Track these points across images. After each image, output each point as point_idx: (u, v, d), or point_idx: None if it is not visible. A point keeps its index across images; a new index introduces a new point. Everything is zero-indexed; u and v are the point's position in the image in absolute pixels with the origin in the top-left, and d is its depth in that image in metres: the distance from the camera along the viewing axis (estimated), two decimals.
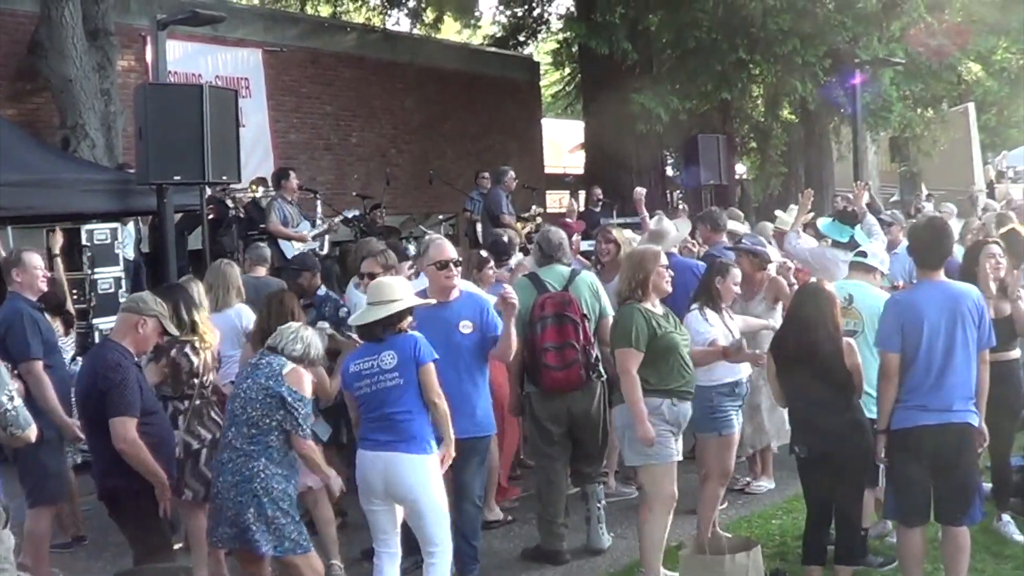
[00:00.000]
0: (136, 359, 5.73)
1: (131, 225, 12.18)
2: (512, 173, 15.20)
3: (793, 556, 6.55)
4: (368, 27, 20.51)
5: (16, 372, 6.15)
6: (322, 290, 8.22)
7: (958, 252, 8.16)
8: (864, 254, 7.22)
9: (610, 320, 6.99)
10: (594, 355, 6.95)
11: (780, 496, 8.10)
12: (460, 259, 6.66)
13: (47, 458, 6.58)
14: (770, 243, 9.45)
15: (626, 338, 6.17)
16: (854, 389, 5.95)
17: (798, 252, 9.00)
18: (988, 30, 23.82)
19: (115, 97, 13.45)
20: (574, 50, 20.00)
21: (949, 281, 5.98)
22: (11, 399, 4.83)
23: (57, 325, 7.78)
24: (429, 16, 22.65)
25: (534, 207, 16.03)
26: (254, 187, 12.39)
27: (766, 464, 8.45)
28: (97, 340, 9.60)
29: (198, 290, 6.91)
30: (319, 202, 13.08)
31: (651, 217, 9.79)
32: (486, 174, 15.68)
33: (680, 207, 16.72)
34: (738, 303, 7.59)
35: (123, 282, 10.41)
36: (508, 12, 23.55)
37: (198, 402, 6.37)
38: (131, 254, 11.87)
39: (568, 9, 21.50)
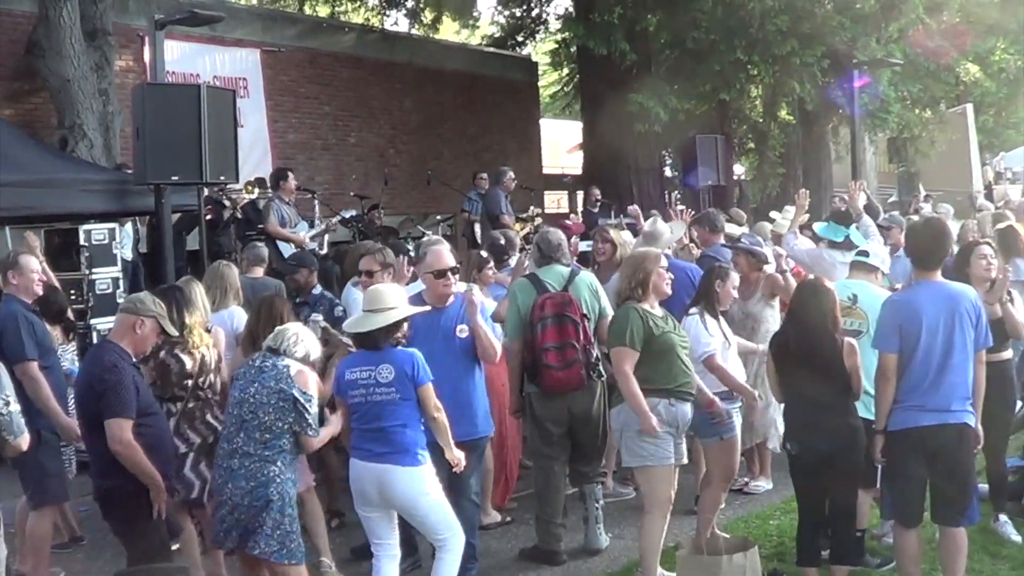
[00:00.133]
0: (134, 360, 5.71)
1: (129, 225, 12.19)
2: (511, 173, 15.19)
3: (791, 556, 6.54)
4: (366, 27, 20.51)
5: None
6: (317, 289, 8.25)
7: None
8: (866, 253, 7.22)
9: (609, 320, 7.00)
10: (594, 355, 6.96)
11: (778, 496, 8.10)
12: (458, 266, 6.64)
13: (46, 459, 6.59)
14: (767, 242, 9.45)
15: (620, 337, 6.18)
16: (851, 390, 5.95)
17: (796, 253, 9.01)
18: (986, 31, 23.88)
19: (113, 97, 13.44)
20: (572, 50, 19.99)
21: (946, 282, 5.99)
22: (7, 404, 4.83)
23: (57, 333, 7.76)
24: (427, 16, 22.65)
25: (532, 207, 16.03)
26: (250, 187, 12.39)
27: (764, 464, 8.46)
28: (95, 341, 9.61)
29: (199, 292, 6.91)
30: (317, 202, 13.07)
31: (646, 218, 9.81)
32: (484, 175, 15.69)
33: (678, 208, 16.74)
34: (736, 302, 7.59)
35: (121, 282, 10.40)
36: (506, 12, 23.55)
37: (191, 405, 6.34)
38: (129, 254, 11.87)
39: (566, 9, 21.50)
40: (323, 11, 21.99)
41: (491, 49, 23.62)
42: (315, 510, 6.80)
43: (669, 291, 6.50)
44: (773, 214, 12.87)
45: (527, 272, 7.55)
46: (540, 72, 25.61)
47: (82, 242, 10.03)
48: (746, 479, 8.42)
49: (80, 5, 12.86)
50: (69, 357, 7.91)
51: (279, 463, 5.40)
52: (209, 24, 13.08)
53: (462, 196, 16.12)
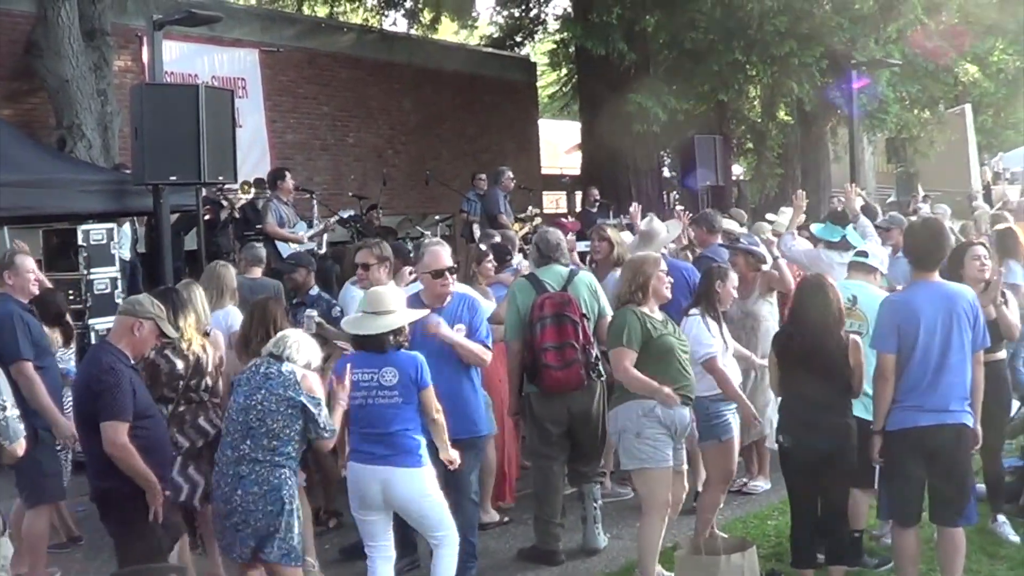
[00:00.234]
0: (132, 362, 5.70)
1: (127, 226, 12.18)
2: (510, 173, 15.20)
3: (789, 557, 6.53)
4: (365, 27, 20.51)
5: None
6: (314, 290, 8.25)
7: None
8: (865, 254, 7.21)
9: (608, 320, 7.00)
10: (594, 354, 6.96)
11: (776, 497, 8.09)
12: (455, 266, 6.65)
13: (43, 457, 6.58)
14: (763, 242, 9.45)
15: (618, 337, 6.18)
16: (851, 389, 5.95)
17: (793, 254, 9.01)
18: (985, 32, 23.89)
19: (111, 97, 13.44)
20: (571, 51, 19.99)
21: (944, 282, 5.99)
22: (3, 408, 4.82)
23: (56, 336, 7.74)
24: (426, 17, 22.65)
25: (531, 208, 16.03)
26: (246, 187, 12.39)
27: (763, 465, 8.45)
28: (94, 341, 9.61)
29: (198, 295, 6.91)
30: (315, 202, 13.07)
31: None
32: (483, 175, 15.69)
33: (677, 208, 16.74)
34: (735, 302, 7.58)
35: (119, 283, 10.38)
36: (505, 13, 23.54)
37: (181, 408, 6.30)
38: (127, 255, 11.86)
39: (565, 10, 21.50)
40: (322, 11, 21.99)
41: (490, 49, 23.62)
42: (304, 509, 6.79)
43: (669, 295, 6.51)
44: (770, 216, 12.86)
45: (526, 272, 7.55)
46: (539, 72, 25.61)
47: (80, 242, 10.02)
48: (744, 479, 8.42)
49: (78, 5, 12.87)
50: (66, 358, 7.90)
51: (287, 468, 5.39)
52: (207, 24, 13.08)
53: (461, 196, 16.11)
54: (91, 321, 9.94)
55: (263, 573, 5.60)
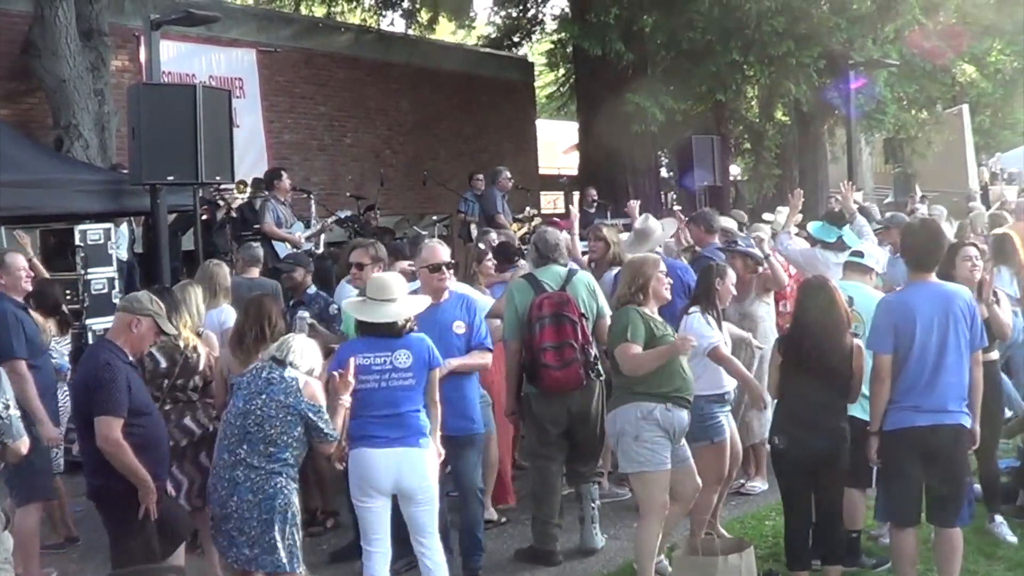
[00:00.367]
0: (130, 359, 5.69)
1: (125, 226, 12.18)
2: (507, 173, 15.20)
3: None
4: (363, 27, 20.50)
5: None
6: (312, 289, 8.27)
7: None
8: (860, 254, 7.20)
9: (608, 320, 7.00)
10: (593, 354, 6.95)
11: (774, 497, 8.02)
12: (453, 261, 6.67)
13: (33, 455, 6.54)
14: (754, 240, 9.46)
15: (622, 334, 6.14)
16: (850, 392, 5.95)
17: (789, 253, 9.01)
18: (982, 32, 23.90)
19: (109, 97, 13.43)
20: (568, 51, 19.99)
21: (941, 282, 5.99)
22: (7, 408, 4.81)
23: (51, 325, 7.77)
24: (424, 17, 22.65)
25: (528, 208, 16.03)
26: (242, 187, 12.38)
27: (760, 465, 8.44)
28: (91, 341, 9.60)
29: (194, 296, 6.91)
30: (313, 203, 13.06)
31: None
32: (480, 175, 15.68)
33: (675, 208, 16.75)
34: (732, 304, 7.59)
35: (116, 283, 10.37)
36: (503, 13, 23.54)
37: (167, 407, 6.29)
38: (125, 255, 11.86)
39: (562, 10, 21.50)
40: (319, 11, 21.98)
41: (487, 49, 23.62)
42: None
43: (669, 296, 6.51)
44: (767, 215, 12.87)
45: (525, 272, 7.56)
46: (536, 72, 25.62)
47: (78, 242, 10.01)
48: (742, 480, 8.41)
49: (76, 5, 12.86)
50: (60, 351, 7.91)
51: (284, 475, 5.36)
52: (205, 24, 13.09)
53: (458, 197, 16.10)
54: (88, 321, 9.93)
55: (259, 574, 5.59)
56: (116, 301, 9.95)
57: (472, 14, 25.06)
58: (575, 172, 21.84)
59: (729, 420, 6.94)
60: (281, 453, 5.34)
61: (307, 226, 12.17)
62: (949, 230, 10.70)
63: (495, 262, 8.62)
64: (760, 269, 8.21)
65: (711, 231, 9.22)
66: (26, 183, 10.11)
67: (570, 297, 7.00)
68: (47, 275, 8.79)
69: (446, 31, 26.81)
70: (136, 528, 5.49)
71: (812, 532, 6.06)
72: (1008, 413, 8.66)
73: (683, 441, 6.33)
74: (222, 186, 11.88)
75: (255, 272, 9.12)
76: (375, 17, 22.20)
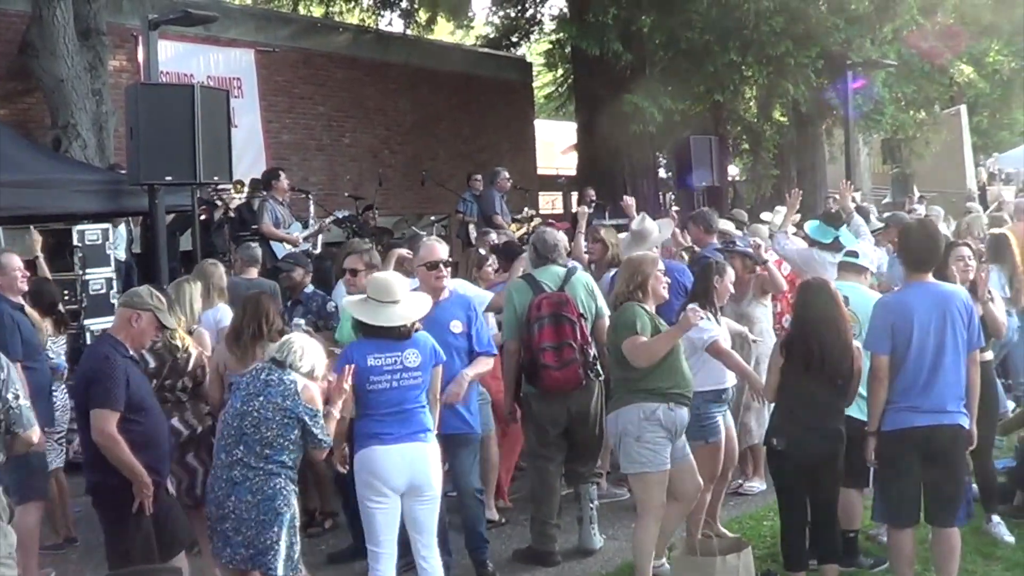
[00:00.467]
0: (131, 353, 5.67)
1: (123, 226, 12.18)
2: (505, 174, 15.21)
3: None
4: (361, 28, 20.49)
5: None
6: (309, 288, 8.27)
7: None
8: (855, 254, 7.19)
9: (606, 320, 7.00)
10: (592, 354, 6.95)
11: (772, 497, 7.99)
12: (450, 260, 6.67)
13: (30, 454, 6.57)
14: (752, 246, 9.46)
15: (630, 327, 6.10)
16: (848, 393, 5.96)
17: (786, 253, 9.01)
18: (980, 32, 23.92)
19: (107, 97, 13.41)
20: (567, 51, 19.99)
21: (938, 282, 6.00)
22: (16, 398, 4.82)
23: (47, 325, 7.77)
24: (422, 17, 22.65)
25: (527, 208, 16.02)
26: (239, 186, 12.37)
27: (758, 465, 8.44)
28: (89, 342, 9.61)
29: (189, 294, 6.91)
30: (311, 203, 13.05)
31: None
32: (479, 175, 15.68)
33: (673, 209, 16.75)
34: (729, 304, 7.58)
35: (114, 283, 10.37)
36: (501, 13, 23.54)
37: None
38: (123, 255, 11.85)
39: (561, 10, 21.50)
40: (317, 11, 21.97)
41: (486, 50, 23.62)
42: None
43: (667, 295, 6.50)
44: (765, 215, 12.87)
45: (523, 272, 7.55)
46: (535, 73, 25.62)
47: (75, 242, 10.00)
48: (740, 480, 8.41)
49: (73, 5, 12.84)
50: (57, 351, 7.91)
51: (283, 476, 5.33)
52: (203, 24, 13.07)
53: (457, 197, 16.10)
54: (87, 321, 9.93)
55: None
56: (114, 302, 9.96)
57: (470, 14, 25.06)
58: (573, 172, 21.85)
59: (726, 420, 6.93)
60: (278, 456, 5.31)
61: (305, 226, 12.17)
62: (946, 231, 10.70)
63: (495, 267, 8.61)
64: (758, 269, 8.21)
65: (710, 231, 9.23)
66: (24, 183, 10.09)
67: (569, 297, 7.00)
68: (49, 275, 8.78)
69: (444, 31, 26.82)
70: (131, 526, 5.48)
71: (808, 532, 6.06)
72: (1011, 405, 8.69)
73: (683, 437, 6.33)
74: (220, 186, 11.87)
75: (253, 272, 9.12)
76: (373, 17, 22.21)
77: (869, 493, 6.71)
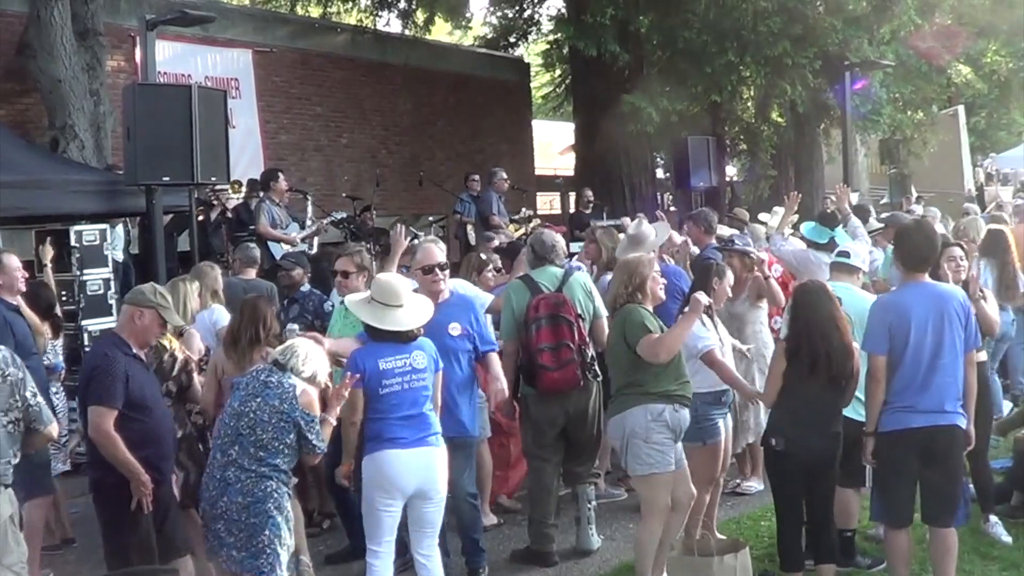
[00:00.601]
0: (134, 351, 5.65)
1: (120, 227, 12.17)
2: (503, 174, 15.21)
3: None
4: (359, 28, 20.46)
5: None
6: (306, 286, 8.29)
7: None
8: (846, 254, 7.17)
9: (604, 321, 7.00)
10: (590, 355, 6.95)
11: (770, 498, 7.99)
12: (447, 263, 6.64)
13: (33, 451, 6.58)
14: (758, 243, 9.46)
15: (641, 328, 6.10)
16: (847, 395, 5.96)
17: (783, 254, 9.02)
18: (978, 33, 23.94)
19: (104, 98, 13.40)
20: (564, 51, 19.99)
21: (935, 282, 6.01)
22: (34, 395, 4.86)
23: (45, 328, 7.76)
24: (420, 17, 22.60)
25: (524, 209, 16.02)
26: (237, 187, 12.36)
27: (756, 465, 8.44)
28: (87, 343, 9.61)
29: (183, 293, 6.91)
30: (309, 203, 13.05)
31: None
32: (476, 176, 15.67)
33: (670, 209, 16.76)
34: (724, 304, 7.57)
35: (112, 283, 10.35)
36: (499, 13, 23.52)
37: None
38: (120, 255, 11.85)
39: (559, 11, 21.49)
40: (315, 12, 21.91)
41: (483, 50, 23.60)
42: (295, 512, 6.76)
43: (664, 297, 6.50)
44: (763, 216, 12.87)
45: (521, 273, 7.55)
46: (532, 73, 25.60)
47: (73, 243, 9.98)
48: (738, 480, 8.42)
49: (71, 5, 12.83)
50: (56, 350, 7.93)
51: (275, 479, 5.30)
52: (200, 24, 13.08)
53: (454, 197, 16.09)
54: (84, 322, 9.91)
55: None
56: (112, 302, 9.98)
57: (468, 15, 25.01)
58: (571, 173, 21.82)
59: (726, 423, 6.91)
60: (272, 458, 5.28)
61: (302, 227, 12.17)
62: (943, 231, 10.72)
63: (495, 271, 8.60)
64: (756, 270, 8.19)
65: (710, 231, 9.23)
66: (22, 184, 10.08)
67: (566, 298, 7.01)
68: (52, 283, 8.82)
69: (442, 32, 26.78)
70: (129, 524, 5.47)
71: (805, 533, 6.06)
72: (1008, 406, 8.71)
73: (679, 444, 6.34)
74: (217, 187, 11.87)
75: (251, 273, 9.13)
76: (371, 18, 22.14)
77: (866, 492, 6.73)
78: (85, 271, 10.04)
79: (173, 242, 11.97)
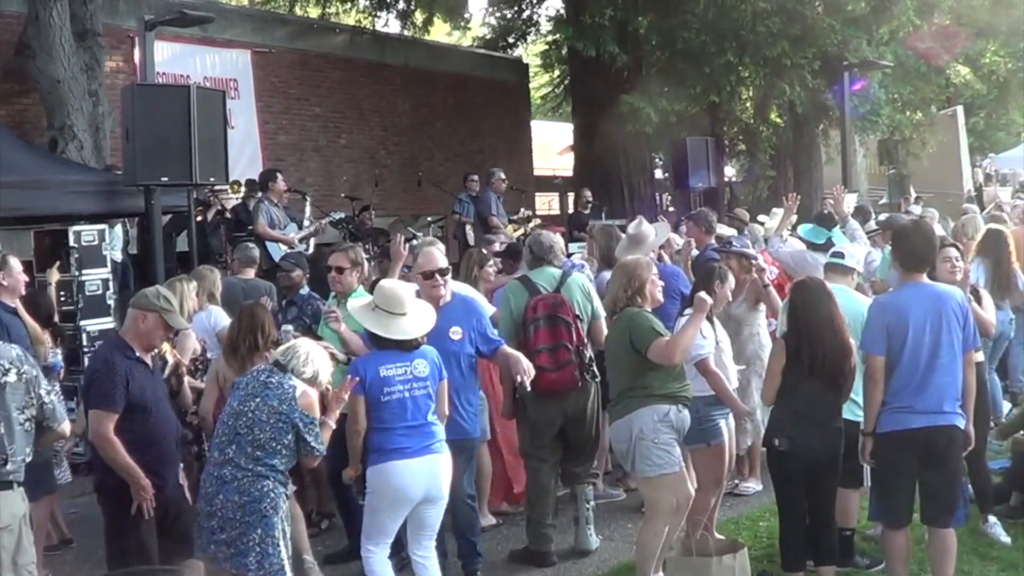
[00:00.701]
0: (137, 354, 5.64)
1: (119, 227, 12.16)
2: (501, 174, 15.20)
3: (780, 559, 6.53)
4: (357, 29, 20.46)
5: None
6: (305, 290, 8.27)
7: None
8: (841, 255, 7.16)
9: (602, 322, 6.99)
10: (588, 356, 6.95)
11: (768, 498, 8.04)
12: (447, 267, 6.60)
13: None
14: (757, 245, 9.46)
15: (652, 333, 6.10)
16: (846, 392, 5.96)
17: (780, 255, 9.02)
18: (977, 34, 23.95)
19: (103, 98, 13.40)
20: (563, 52, 19.99)
21: (933, 283, 6.00)
22: (48, 393, 4.90)
23: (46, 337, 7.74)
24: (419, 18, 22.61)
25: (523, 209, 16.01)
26: (236, 187, 12.36)
27: (754, 466, 8.44)
28: (85, 343, 9.61)
29: (183, 290, 6.92)
30: (308, 203, 13.04)
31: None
32: (475, 176, 15.66)
33: (669, 210, 16.76)
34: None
35: (110, 284, 10.35)
36: (498, 14, 23.53)
37: None
38: (119, 256, 11.84)
39: (557, 11, 21.50)
40: (314, 12, 21.93)
41: (482, 51, 23.61)
42: (295, 512, 6.77)
43: (662, 298, 6.50)
44: (762, 218, 12.88)
45: (519, 274, 7.54)
46: (531, 74, 25.60)
47: (71, 243, 9.97)
48: (736, 481, 8.41)
49: (70, 6, 12.83)
50: (56, 351, 7.92)
51: (271, 479, 5.29)
52: (199, 25, 13.10)
53: (453, 198, 16.08)
54: (82, 323, 9.90)
55: None
56: (110, 302, 9.97)
57: (467, 15, 25.03)
58: (570, 173, 21.83)
59: (729, 423, 6.91)
60: (269, 459, 5.27)
61: (300, 227, 12.16)
62: (942, 231, 10.73)
63: (496, 267, 8.59)
64: (754, 272, 8.19)
65: (710, 231, 9.23)
66: (20, 184, 10.09)
67: (564, 299, 7.00)
68: (54, 298, 8.86)
69: (441, 32, 26.78)
70: (128, 527, 5.47)
71: (806, 534, 6.06)
72: (1007, 406, 8.71)
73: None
74: (216, 187, 11.86)
75: (250, 273, 9.13)
76: (370, 18, 22.15)
77: (865, 492, 6.73)
78: (84, 271, 10.02)
79: (172, 242, 11.96)
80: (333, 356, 6.07)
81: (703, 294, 6.20)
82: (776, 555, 6.66)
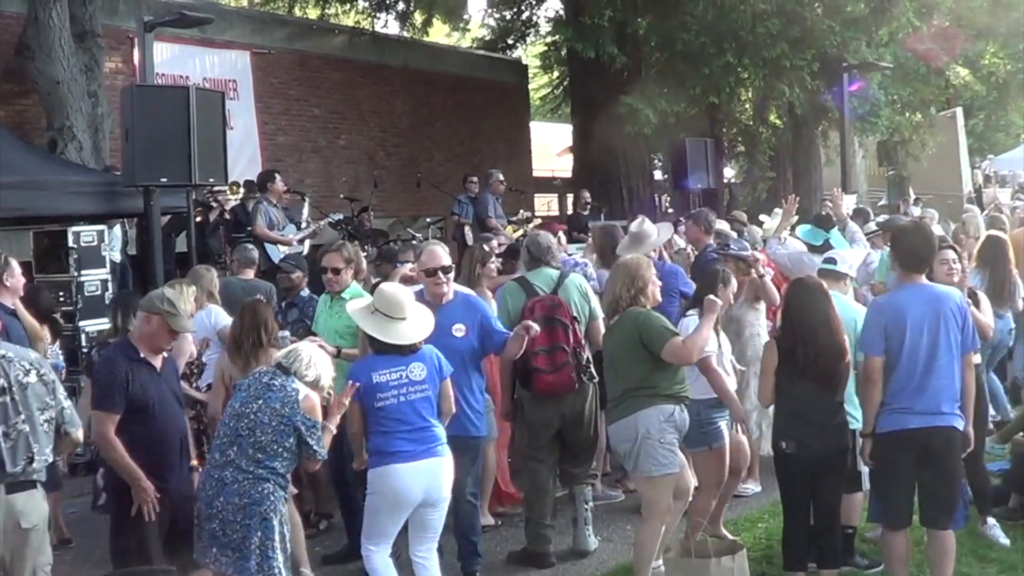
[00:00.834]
0: (141, 355, 5.62)
1: (118, 227, 12.17)
2: (499, 176, 15.21)
3: (779, 559, 6.53)
4: (357, 30, 20.47)
5: None
6: (305, 291, 8.26)
7: None
8: (833, 260, 7.15)
9: (600, 323, 6.99)
10: (585, 357, 6.94)
11: (767, 499, 8.09)
12: (450, 265, 6.60)
13: None
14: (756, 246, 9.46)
15: (666, 333, 6.13)
16: (840, 388, 5.95)
17: (778, 257, 9.02)
18: (976, 35, 23.96)
19: (102, 99, 13.41)
20: (563, 53, 19.99)
21: (931, 284, 6.00)
22: (66, 398, 4.95)
23: (45, 333, 7.75)
24: (418, 19, 22.63)
25: (522, 211, 16.01)
26: (235, 188, 12.37)
27: (753, 467, 8.43)
28: (84, 343, 9.61)
29: (182, 292, 6.92)
30: (306, 204, 13.04)
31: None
32: (474, 177, 15.67)
33: (668, 211, 16.77)
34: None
35: (109, 284, 10.37)
36: (497, 15, 23.54)
37: None
38: (118, 256, 11.85)
39: (557, 12, 21.50)
40: (313, 13, 21.94)
41: (481, 52, 23.62)
42: (293, 518, 6.76)
43: (660, 298, 6.51)
44: (763, 218, 12.87)
45: (516, 275, 7.54)
46: (530, 75, 25.61)
47: (71, 244, 9.99)
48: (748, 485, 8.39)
49: (69, 7, 12.83)
50: (56, 351, 7.94)
51: (272, 482, 5.27)
52: (198, 26, 13.10)
53: (452, 199, 16.08)
54: (82, 323, 9.91)
55: None
56: (109, 303, 9.96)
57: (466, 16, 25.04)
58: (569, 174, 21.84)
59: (728, 426, 6.91)
60: (270, 461, 5.26)
61: (299, 228, 12.16)
62: (941, 233, 10.74)
63: (499, 265, 8.59)
64: (753, 273, 8.19)
65: (709, 231, 9.24)
66: (20, 184, 10.09)
67: (562, 300, 7.01)
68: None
69: (440, 33, 26.76)
70: (129, 527, 5.48)
71: (810, 534, 6.07)
72: (992, 413, 8.70)
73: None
74: (215, 188, 11.87)
75: (249, 273, 9.14)
76: (369, 19, 22.16)
77: (866, 494, 6.73)
78: (83, 272, 10.04)
79: (171, 243, 11.96)
80: (322, 347, 6.06)
81: (712, 296, 6.21)
82: (775, 557, 6.68)
